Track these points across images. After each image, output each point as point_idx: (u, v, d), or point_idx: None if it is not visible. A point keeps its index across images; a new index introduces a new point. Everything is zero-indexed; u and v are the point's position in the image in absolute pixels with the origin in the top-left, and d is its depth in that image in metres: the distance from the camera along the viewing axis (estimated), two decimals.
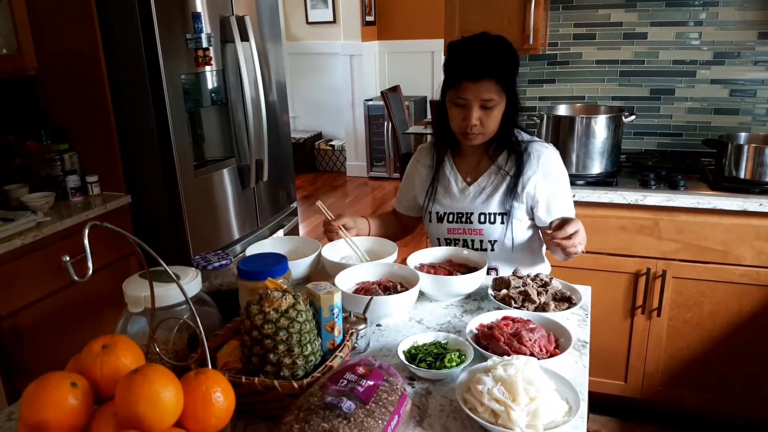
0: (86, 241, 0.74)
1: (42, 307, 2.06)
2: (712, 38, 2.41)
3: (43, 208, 2.17)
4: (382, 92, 4.97)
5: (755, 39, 2.37)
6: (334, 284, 1.27)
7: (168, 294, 1.01)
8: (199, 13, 2.38)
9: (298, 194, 5.83)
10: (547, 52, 2.62)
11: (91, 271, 0.75)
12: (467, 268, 1.45)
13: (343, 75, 6.19)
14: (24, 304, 2.00)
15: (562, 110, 2.47)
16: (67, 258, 0.74)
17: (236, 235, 2.75)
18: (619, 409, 2.38)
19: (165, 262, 0.88)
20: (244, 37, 2.60)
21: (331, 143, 6.74)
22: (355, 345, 1.17)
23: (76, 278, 0.73)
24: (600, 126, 2.20)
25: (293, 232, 3.29)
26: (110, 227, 0.78)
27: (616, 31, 2.52)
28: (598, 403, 2.36)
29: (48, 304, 2.08)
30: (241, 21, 2.59)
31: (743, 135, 2.29)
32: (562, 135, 2.25)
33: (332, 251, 1.54)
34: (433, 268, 1.44)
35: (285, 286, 1.01)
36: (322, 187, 6.20)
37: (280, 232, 3.10)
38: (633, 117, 2.27)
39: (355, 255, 1.55)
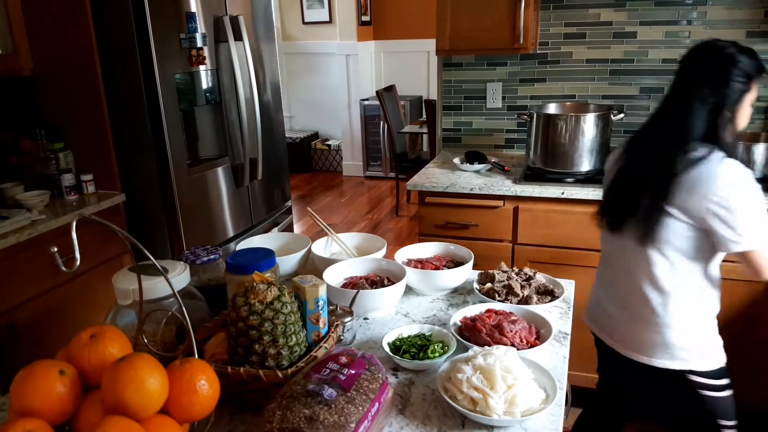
0: (74, 233, 0.77)
1: (37, 305, 2.08)
2: (701, 37, 2.43)
3: (38, 207, 2.20)
4: (377, 92, 5.00)
5: (744, 38, 2.39)
6: (322, 279, 1.30)
7: (156, 287, 1.03)
8: (194, 12, 2.41)
9: (295, 193, 5.86)
10: (537, 52, 2.65)
11: (78, 262, 0.78)
12: (454, 263, 1.48)
13: (339, 75, 6.22)
14: (19, 302, 2.02)
15: (552, 109, 2.50)
16: (55, 249, 0.76)
17: (230, 234, 2.77)
18: None
19: (159, 259, 0.91)
20: (238, 37, 2.63)
21: (328, 143, 6.77)
22: (341, 337, 1.19)
23: (63, 268, 0.76)
24: (589, 124, 2.22)
25: (287, 230, 3.31)
26: (97, 219, 0.80)
27: (605, 30, 2.55)
28: (583, 397, 2.37)
29: (43, 301, 2.10)
30: (234, 21, 2.61)
31: None
32: (551, 133, 2.27)
33: (322, 247, 1.57)
34: (421, 263, 1.46)
35: (271, 280, 1.04)
36: (318, 186, 6.22)
37: (275, 231, 3.13)
38: (621, 115, 2.29)
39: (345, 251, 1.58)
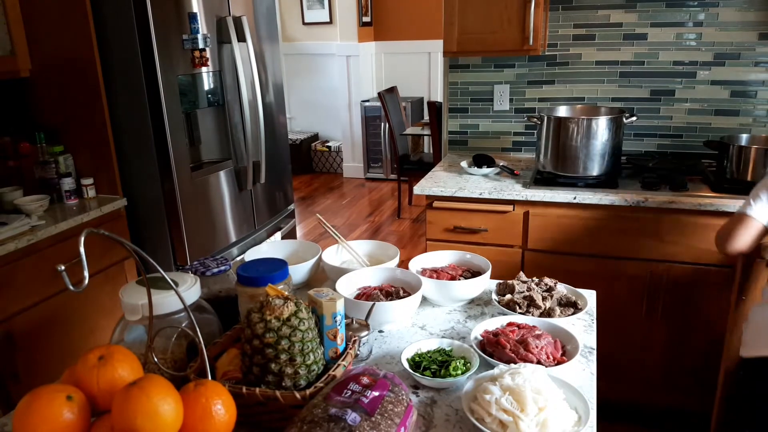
0: (82, 249, 0.71)
1: (36, 313, 2.02)
2: (713, 39, 2.40)
3: (37, 212, 2.14)
4: (379, 93, 4.95)
5: (756, 40, 2.35)
6: (334, 289, 1.25)
7: (166, 301, 0.98)
8: (196, 13, 2.35)
9: (295, 195, 5.79)
10: (546, 53, 2.61)
11: (87, 281, 0.72)
12: (470, 273, 1.43)
13: (339, 76, 6.17)
14: (18, 310, 1.96)
15: (562, 111, 2.45)
16: (63, 267, 0.71)
17: (233, 238, 2.72)
18: (619, 413, 2.36)
19: (161, 265, 0.86)
20: (241, 38, 2.58)
21: (328, 144, 6.72)
22: (358, 352, 1.14)
23: (71, 288, 0.70)
24: (601, 127, 2.18)
25: (291, 234, 3.26)
26: (107, 234, 0.75)
27: (615, 32, 2.51)
28: (597, 407, 2.34)
29: (42, 309, 2.04)
30: (237, 21, 2.56)
31: (745, 136, 2.27)
32: (562, 137, 2.23)
33: (333, 255, 1.52)
34: (436, 273, 1.42)
35: (286, 293, 0.99)
36: (318, 188, 6.17)
37: (278, 235, 3.08)
38: (634, 118, 2.25)
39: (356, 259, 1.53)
